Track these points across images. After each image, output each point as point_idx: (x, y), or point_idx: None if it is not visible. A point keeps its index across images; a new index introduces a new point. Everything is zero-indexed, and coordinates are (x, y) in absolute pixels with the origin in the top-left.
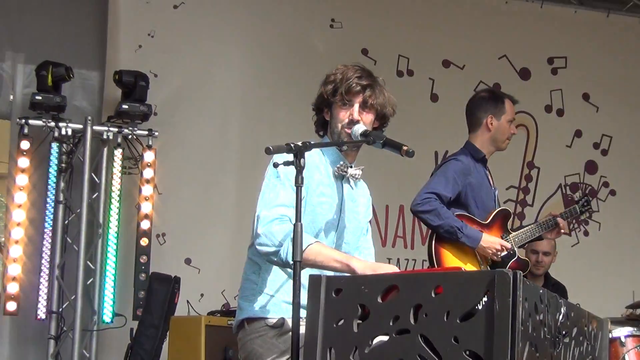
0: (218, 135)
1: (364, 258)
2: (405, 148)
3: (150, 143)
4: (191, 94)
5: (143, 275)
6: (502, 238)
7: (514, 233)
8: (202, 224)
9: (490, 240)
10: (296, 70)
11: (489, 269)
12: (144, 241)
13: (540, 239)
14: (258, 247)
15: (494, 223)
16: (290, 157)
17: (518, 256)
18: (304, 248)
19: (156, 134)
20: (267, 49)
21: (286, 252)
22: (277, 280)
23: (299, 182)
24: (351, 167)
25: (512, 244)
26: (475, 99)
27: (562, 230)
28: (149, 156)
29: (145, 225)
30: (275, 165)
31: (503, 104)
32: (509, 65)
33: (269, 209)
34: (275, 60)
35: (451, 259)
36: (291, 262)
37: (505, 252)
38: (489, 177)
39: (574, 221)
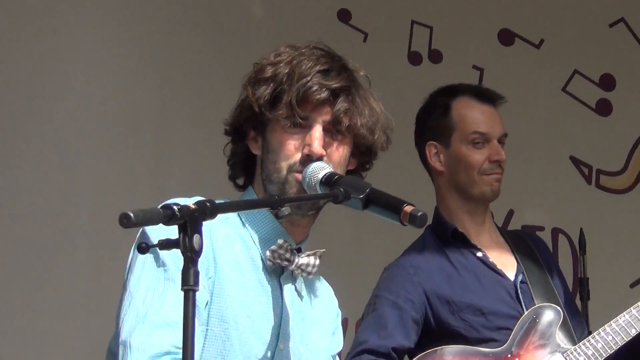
0: (54, 183)
1: None
2: (407, 209)
3: None
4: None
5: None
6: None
7: (580, 344)
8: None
9: None
10: (210, 55)
11: None
12: None
13: None
14: None
15: (524, 341)
16: (172, 231)
17: None
18: None
19: None
20: (153, 17)
21: None
22: None
23: (190, 283)
24: (299, 250)
25: None
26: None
27: None
28: None
29: None
30: (142, 249)
31: (447, 110)
32: (631, 39)
33: (149, 331)
34: (170, 36)
35: None
36: None
37: None
38: (488, 260)
39: None
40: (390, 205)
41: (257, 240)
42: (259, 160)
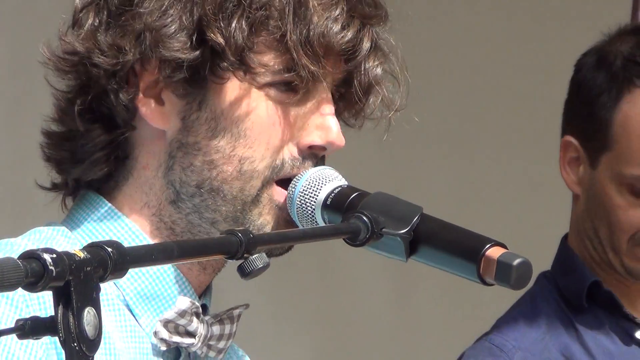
0: None
1: None
2: (493, 253)
3: None
4: None
5: None
6: None
7: None
8: None
9: None
10: None
11: None
12: None
13: None
14: None
15: None
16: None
17: None
18: None
19: None
20: None
21: None
22: None
23: None
24: (204, 309)
25: None
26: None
27: None
28: None
29: None
30: None
31: (613, 103)
32: None
33: None
34: None
35: None
36: None
37: None
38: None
39: None
40: (460, 248)
41: (136, 303)
42: (171, 144)
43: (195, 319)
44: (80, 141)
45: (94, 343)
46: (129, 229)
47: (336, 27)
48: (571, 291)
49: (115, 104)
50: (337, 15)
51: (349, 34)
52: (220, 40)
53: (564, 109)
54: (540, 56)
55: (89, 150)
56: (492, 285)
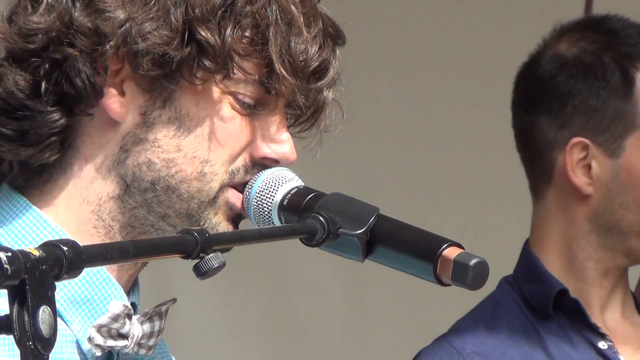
0: None
1: None
2: (449, 253)
3: None
4: None
5: None
6: None
7: None
8: None
9: None
10: None
11: None
12: None
13: None
14: None
15: None
16: None
17: None
18: None
19: None
20: None
21: None
22: None
23: None
24: (134, 307)
25: None
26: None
27: None
28: None
29: None
30: None
31: (628, 84)
32: None
33: None
34: None
35: None
36: None
37: None
38: (617, 358)
39: None
40: (417, 248)
41: (66, 309)
42: (125, 138)
43: (127, 321)
44: (32, 122)
45: (49, 342)
46: (52, 229)
47: (315, 46)
48: (536, 298)
49: (86, 88)
50: (316, 34)
51: (324, 55)
52: (212, 40)
53: (553, 119)
54: (500, 52)
55: (43, 134)
56: (448, 285)
